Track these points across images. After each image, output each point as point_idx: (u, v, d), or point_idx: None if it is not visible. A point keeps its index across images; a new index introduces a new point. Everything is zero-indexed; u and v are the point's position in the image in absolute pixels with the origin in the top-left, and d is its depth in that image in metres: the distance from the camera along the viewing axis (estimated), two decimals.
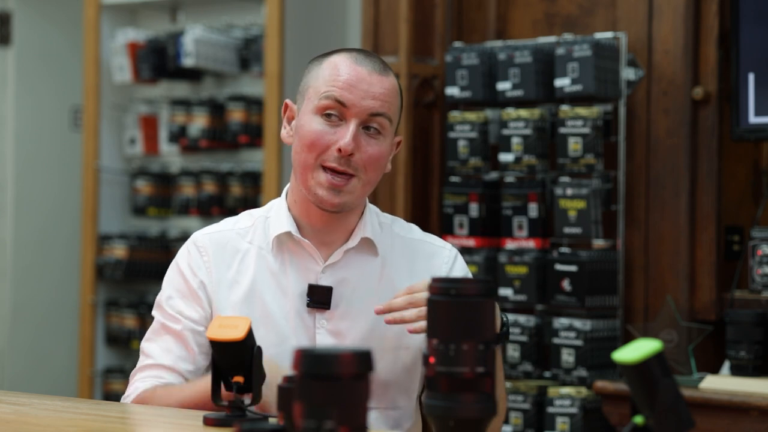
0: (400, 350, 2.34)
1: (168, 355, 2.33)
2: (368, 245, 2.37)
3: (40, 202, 6.05)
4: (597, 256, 3.90)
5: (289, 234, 2.34)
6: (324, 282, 2.33)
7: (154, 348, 2.36)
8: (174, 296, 2.36)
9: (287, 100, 2.41)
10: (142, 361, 2.37)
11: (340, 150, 2.26)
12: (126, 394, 2.35)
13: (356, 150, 2.27)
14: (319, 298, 2.32)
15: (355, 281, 2.34)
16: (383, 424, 2.34)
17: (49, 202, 6.07)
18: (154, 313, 2.40)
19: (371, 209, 2.42)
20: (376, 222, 2.40)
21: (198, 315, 2.34)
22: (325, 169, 2.28)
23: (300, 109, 2.35)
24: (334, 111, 2.28)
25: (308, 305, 2.32)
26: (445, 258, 2.42)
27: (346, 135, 2.27)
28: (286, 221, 2.35)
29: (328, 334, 2.31)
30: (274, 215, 2.38)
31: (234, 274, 2.35)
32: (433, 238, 2.46)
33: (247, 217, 2.42)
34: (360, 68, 2.30)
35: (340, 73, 2.29)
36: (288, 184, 2.41)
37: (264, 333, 2.26)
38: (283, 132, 2.39)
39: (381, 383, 2.32)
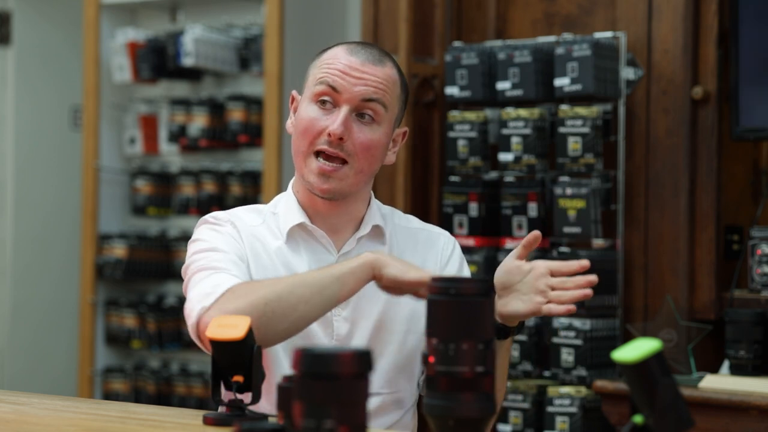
0: (408, 334, 2.37)
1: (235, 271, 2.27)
2: (377, 233, 2.41)
3: (40, 202, 6.04)
4: (596, 256, 3.90)
5: (301, 225, 2.37)
6: None
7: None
8: (218, 246, 2.31)
9: (294, 92, 2.45)
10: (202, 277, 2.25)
11: (330, 134, 2.30)
12: (190, 309, 2.21)
13: (347, 136, 2.31)
14: None
15: None
16: (388, 407, 2.36)
17: (49, 202, 6.06)
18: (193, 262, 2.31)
19: (375, 200, 2.46)
20: (380, 211, 2.45)
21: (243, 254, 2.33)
22: (317, 155, 2.32)
23: (301, 98, 2.40)
24: (328, 97, 2.33)
25: None
26: (442, 244, 2.47)
27: (336, 120, 2.30)
28: (298, 213, 2.38)
29: (344, 321, 2.34)
30: (283, 209, 2.40)
31: (255, 254, 2.34)
32: (430, 227, 2.51)
33: (254, 213, 2.42)
34: (354, 58, 2.34)
35: (334, 61, 2.34)
36: (293, 177, 2.44)
37: None
38: (288, 122, 2.44)
39: (390, 368, 2.35)
